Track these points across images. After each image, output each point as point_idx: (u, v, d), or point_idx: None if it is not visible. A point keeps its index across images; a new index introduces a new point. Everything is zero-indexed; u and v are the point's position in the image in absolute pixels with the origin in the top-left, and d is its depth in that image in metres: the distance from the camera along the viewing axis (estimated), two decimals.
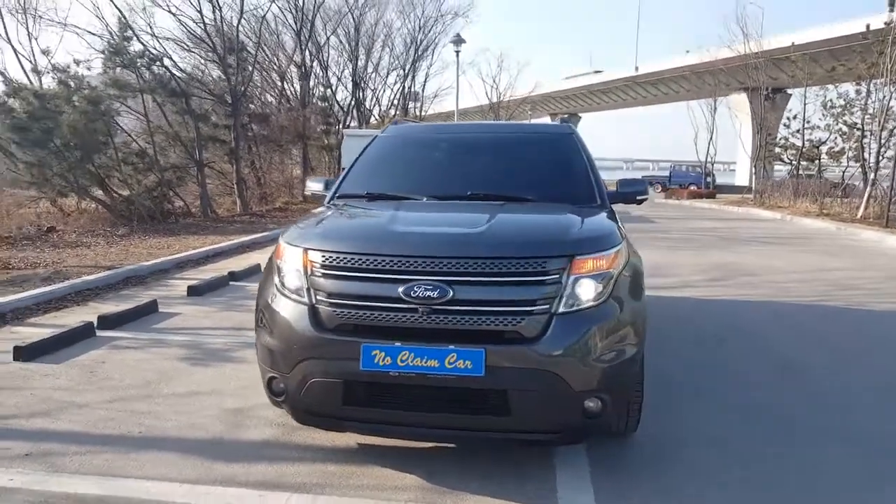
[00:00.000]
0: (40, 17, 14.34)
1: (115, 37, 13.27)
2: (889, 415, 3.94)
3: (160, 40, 14.74)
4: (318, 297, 2.96)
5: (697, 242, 13.13)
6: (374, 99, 26.99)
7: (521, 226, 3.34)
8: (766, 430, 3.64)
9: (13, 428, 3.50)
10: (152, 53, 13.58)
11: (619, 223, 3.75)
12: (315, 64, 21.70)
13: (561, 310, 2.83)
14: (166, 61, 14.31)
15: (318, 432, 3.36)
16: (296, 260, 3.07)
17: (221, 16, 16.13)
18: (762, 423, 3.73)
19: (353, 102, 24.67)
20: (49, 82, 13.29)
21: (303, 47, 19.92)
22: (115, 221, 13.39)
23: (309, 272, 3.01)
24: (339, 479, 3.00)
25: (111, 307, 6.16)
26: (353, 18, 24.18)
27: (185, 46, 17.69)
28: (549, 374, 2.76)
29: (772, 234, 15.04)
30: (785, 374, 4.66)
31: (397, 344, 2.77)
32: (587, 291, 2.89)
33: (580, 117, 66.62)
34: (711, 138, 34.89)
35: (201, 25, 15.62)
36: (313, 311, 2.95)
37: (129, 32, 13.39)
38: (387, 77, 27.68)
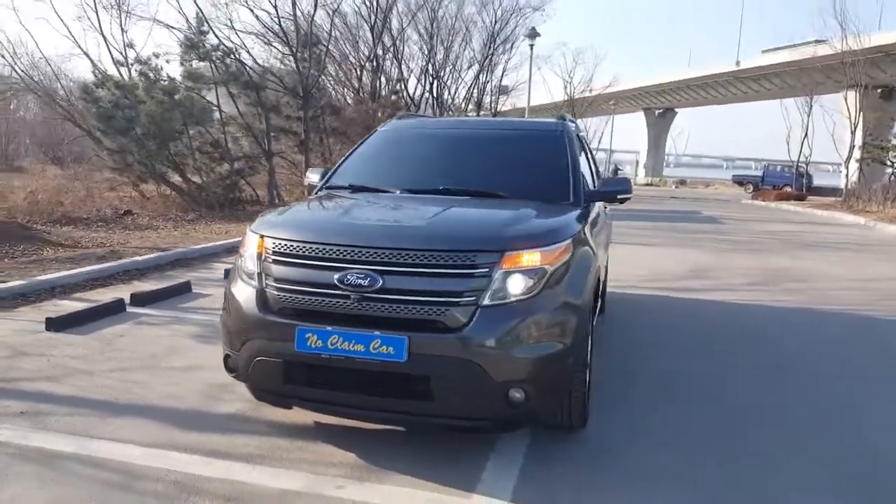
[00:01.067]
0: (130, 13, 15.39)
1: (193, 31, 14.09)
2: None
3: (238, 33, 15.49)
4: (267, 282, 3.17)
5: (757, 245, 12.61)
6: (449, 93, 27.21)
7: (462, 221, 3.42)
8: (684, 406, 3.58)
9: (20, 389, 3.91)
10: (226, 47, 14.31)
11: (588, 222, 3.77)
12: (388, 57, 22.18)
13: (486, 302, 2.91)
14: (241, 55, 15.02)
15: (281, 410, 3.57)
16: (253, 246, 3.30)
17: (296, 10, 16.78)
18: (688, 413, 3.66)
19: (425, 96, 25.00)
20: (133, 74, 14.26)
21: (375, 41, 20.41)
22: (186, 207, 14.26)
23: (262, 258, 3.23)
24: (284, 452, 3.20)
25: (150, 286, 6.64)
26: (430, 11, 24.49)
27: (266, 40, 18.54)
28: (469, 363, 2.86)
29: (844, 240, 14.23)
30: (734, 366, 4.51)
31: (328, 328, 2.94)
32: (515, 286, 2.95)
33: (676, 112, 64.53)
34: (805, 136, 33.10)
35: (276, 19, 16.31)
36: (261, 295, 3.16)
37: (206, 27, 14.18)
38: (461, 71, 27.81)
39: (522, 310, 2.95)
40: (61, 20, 31.41)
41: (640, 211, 21.29)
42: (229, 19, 16.32)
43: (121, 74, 14.76)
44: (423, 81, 25.10)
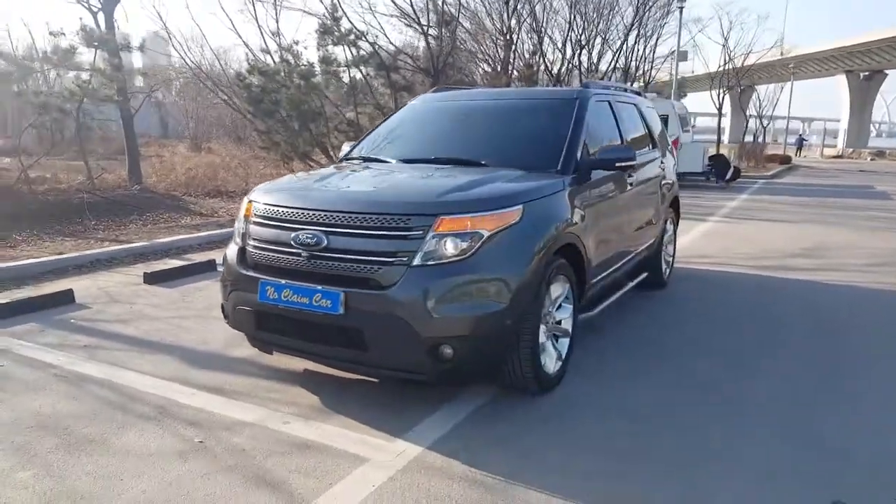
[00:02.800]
0: (281, 5, 16.78)
1: (327, 18, 15.08)
2: None
3: (375, 14, 16.24)
4: (247, 241, 3.60)
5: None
6: (593, 63, 26.35)
7: (408, 187, 3.61)
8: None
9: (95, 327, 4.71)
10: (358, 31, 15.14)
11: (578, 189, 3.80)
12: (524, 28, 21.99)
13: (416, 262, 3.09)
14: (371, 37, 15.82)
15: (283, 356, 3.99)
16: (243, 210, 3.74)
17: None
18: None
19: (568, 67, 24.49)
20: (277, 61, 15.61)
21: (510, 12, 20.35)
22: None
23: (247, 220, 3.66)
24: (260, 391, 3.63)
25: None
26: None
27: (405, 21, 19.28)
28: (396, 318, 3.07)
29: None
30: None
31: (283, 282, 3.30)
32: (447, 248, 3.10)
33: (886, 74, 57.02)
34: None
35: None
36: (242, 252, 3.60)
37: (339, 12, 15.12)
38: (610, 40, 26.80)
39: (452, 271, 3.10)
40: (226, 14, 34.49)
41: (800, 185, 19.51)
42: (369, 3, 17.13)
43: (272, 61, 16.22)
44: (565, 52, 24.57)
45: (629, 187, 4.80)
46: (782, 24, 76.73)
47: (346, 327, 3.17)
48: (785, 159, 31.83)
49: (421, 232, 3.12)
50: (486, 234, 3.16)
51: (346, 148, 5.01)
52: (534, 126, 4.41)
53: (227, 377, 3.82)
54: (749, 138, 35.18)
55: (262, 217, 3.54)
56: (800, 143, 50.83)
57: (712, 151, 20.82)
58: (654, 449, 3.05)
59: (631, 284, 5.19)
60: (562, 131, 4.17)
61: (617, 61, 27.17)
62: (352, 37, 15.05)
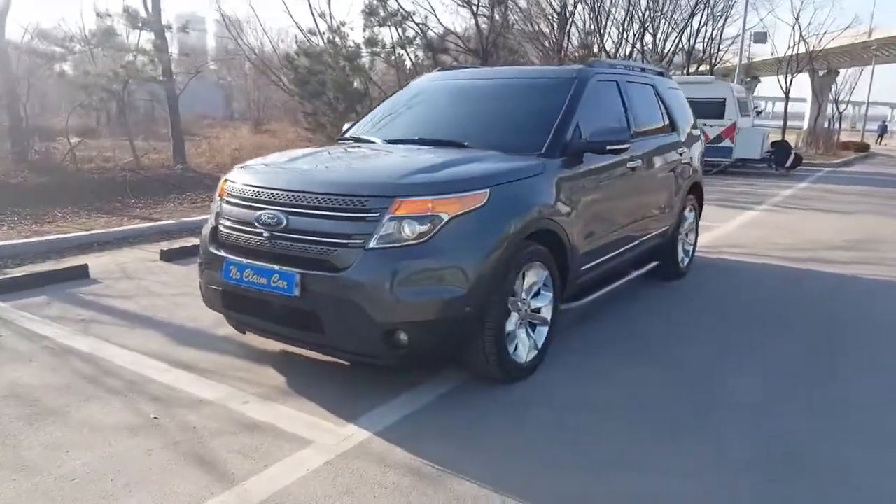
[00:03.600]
0: None
1: None
2: None
3: None
4: (219, 220, 3.60)
5: None
6: (656, 45, 25.43)
7: (376, 167, 3.54)
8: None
9: (99, 302, 4.85)
10: (405, 11, 15.10)
11: (566, 173, 3.67)
12: (581, 6, 21.39)
13: (372, 245, 3.01)
14: (420, 17, 15.75)
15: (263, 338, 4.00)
16: (219, 188, 3.74)
17: None
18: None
19: (628, 48, 23.74)
20: (323, 43, 15.72)
21: None
22: None
23: (221, 198, 3.66)
24: (230, 370, 3.65)
25: None
26: None
27: (459, 2, 19.07)
28: (350, 301, 3.02)
29: None
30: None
31: (244, 261, 3.29)
32: (403, 231, 3.02)
33: None
34: None
35: None
36: (214, 231, 3.61)
37: None
38: (673, 21, 25.80)
39: (409, 255, 3.01)
40: None
41: (868, 174, 18.45)
42: None
43: (321, 42, 16.35)
44: (625, 33, 23.81)
45: (632, 172, 4.57)
46: (860, 2, 72.06)
47: (303, 310, 3.13)
48: (862, 147, 30.10)
49: (378, 214, 3.04)
50: (446, 217, 3.06)
51: (345, 128, 4.97)
52: (525, 106, 4.25)
53: (204, 355, 3.86)
54: (827, 124, 33.45)
55: (231, 196, 3.54)
56: (882, 130, 47.98)
57: (776, 137, 19.87)
58: (604, 445, 2.91)
59: (635, 274, 4.98)
60: (552, 112, 4.00)
61: (680, 42, 26.23)
62: (398, 17, 14.99)
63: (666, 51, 25.61)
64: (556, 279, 3.70)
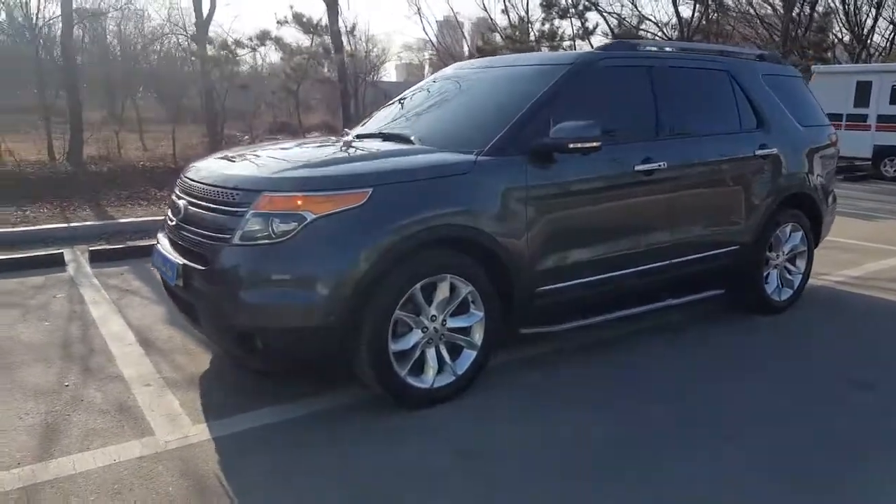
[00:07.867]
0: None
1: None
2: None
3: None
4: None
5: None
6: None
7: (268, 160, 3.42)
8: None
9: (156, 280, 5.37)
10: (588, 2, 14.37)
11: (448, 173, 3.17)
12: None
13: (235, 241, 2.91)
14: (617, 6, 14.90)
15: None
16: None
17: None
18: None
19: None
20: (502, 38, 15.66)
21: None
22: None
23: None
24: (176, 350, 3.82)
25: None
26: None
27: None
28: (209, 298, 2.97)
29: None
30: None
31: (160, 250, 3.40)
32: (266, 228, 2.87)
33: None
34: None
35: None
36: (165, 222, 3.77)
37: None
38: None
39: (266, 254, 2.87)
40: None
41: None
42: None
43: (500, 38, 16.34)
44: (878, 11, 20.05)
45: (647, 177, 3.77)
46: None
47: (186, 300, 3.16)
48: None
49: (244, 209, 2.92)
50: (311, 216, 2.83)
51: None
52: (497, 98, 3.80)
53: (173, 334, 4.06)
54: None
55: (177, 189, 3.66)
56: None
57: None
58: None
59: (673, 302, 4.13)
60: (518, 105, 3.48)
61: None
62: (581, 7, 14.37)
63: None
64: (490, 298, 3.23)
